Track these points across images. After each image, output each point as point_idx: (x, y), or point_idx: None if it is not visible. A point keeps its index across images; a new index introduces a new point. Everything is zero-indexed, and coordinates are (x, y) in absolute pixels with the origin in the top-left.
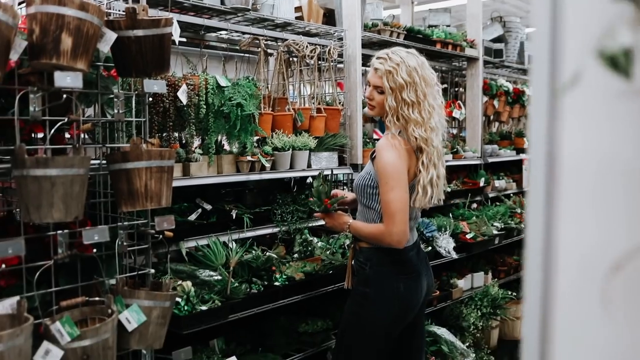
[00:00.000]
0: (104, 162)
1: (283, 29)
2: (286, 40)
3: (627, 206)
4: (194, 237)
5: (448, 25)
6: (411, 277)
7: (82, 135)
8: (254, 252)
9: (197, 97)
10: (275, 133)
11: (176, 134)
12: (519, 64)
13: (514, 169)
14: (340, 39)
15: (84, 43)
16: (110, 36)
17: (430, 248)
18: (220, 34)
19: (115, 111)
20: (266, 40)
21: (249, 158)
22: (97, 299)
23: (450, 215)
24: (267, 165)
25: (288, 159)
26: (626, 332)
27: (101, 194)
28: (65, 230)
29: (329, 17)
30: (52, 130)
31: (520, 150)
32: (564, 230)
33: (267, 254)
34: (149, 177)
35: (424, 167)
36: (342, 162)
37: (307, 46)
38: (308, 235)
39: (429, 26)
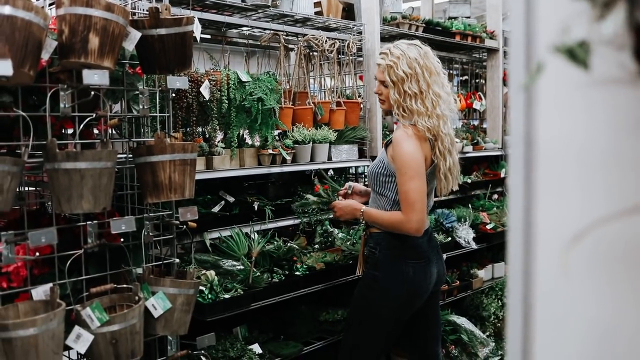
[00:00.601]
0: (130, 155)
1: (303, 24)
2: (306, 35)
3: (598, 189)
4: (217, 228)
5: (468, 17)
6: (420, 263)
7: (109, 131)
8: (275, 242)
9: (219, 93)
10: (296, 126)
11: (199, 129)
12: None
13: None
14: (360, 33)
15: (110, 42)
16: (135, 35)
17: (450, 239)
18: (242, 30)
19: (141, 107)
20: (286, 35)
21: (270, 151)
22: (125, 286)
23: (470, 206)
24: (288, 158)
25: (308, 151)
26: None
27: (128, 187)
28: (95, 221)
29: (349, 11)
30: (82, 126)
31: None
32: (543, 211)
33: (289, 244)
34: (172, 169)
35: (441, 155)
36: (362, 154)
37: (326, 41)
38: (329, 226)
39: (449, 18)
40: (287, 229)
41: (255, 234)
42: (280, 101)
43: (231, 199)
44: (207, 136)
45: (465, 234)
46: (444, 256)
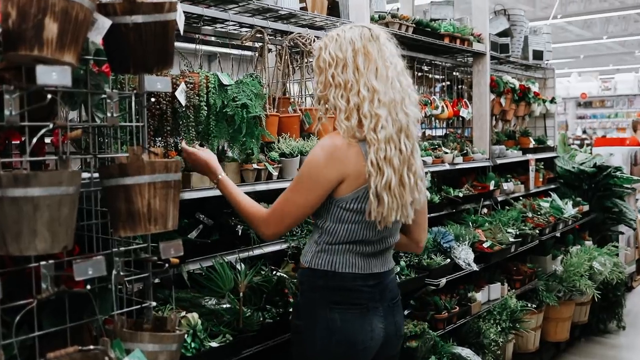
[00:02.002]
0: (96, 176)
1: (287, 20)
2: (291, 33)
3: None
4: (196, 258)
5: (452, 19)
6: (352, 311)
7: (68, 145)
8: (263, 272)
9: (197, 98)
10: (282, 137)
11: (172, 140)
12: (523, 59)
13: (520, 170)
14: None
15: (73, 30)
16: (104, 23)
17: (448, 260)
18: (217, 27)
19: (109, 114)
20: (270, 33)
21: (254, 166)
22: (91, 347)
23: (464, 222)
24: (275, 173)
25: (296, 165)
26: None
27: (93, 214)
28: (51, 261)
29: (332, 8)
30: (35, 139)
31: (525, 150)
32: None
33: (278, 273)
34: (152, 194)
35: (374, 168)
36: None
37: (314, 40)
38: None
39: (431, 20)
40: (273, 255)
41: (242, 263)
42: (265, 108)
43: (210, 222)
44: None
45: (465, 255)
46: (406, 312)
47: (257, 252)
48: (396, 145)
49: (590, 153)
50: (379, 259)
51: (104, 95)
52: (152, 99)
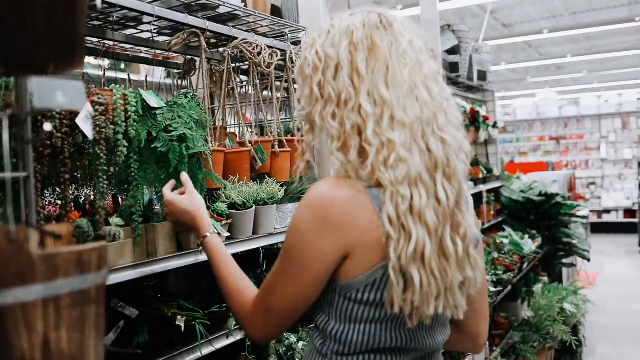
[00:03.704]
0: None
1: (225, 23)
2: (235, 38)
3: None
4: None
5: None
6: None
7: None
8: None
9: (110, 127)
10: (230, 181)
11: (73, 192)
12: (468, 79)
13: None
14: (296, 43)
15: None
16: None
17: None
18: (129, 32)
19: None
20: (207, 39)
21: None
22: None
23: None
24: (224, 233)
25: (251, 220)
26: None
27: None
28: None
29: (273, 13)
30: None
31: (476, 180)
32: None
33: None
34: (53, 322)
35: (394, 227)
36: None
37: (264, 49)
38: (292, 336)
39: None
40: (230, 350)
41: None
42: (208, 141)
43: (134, 313)
44: (87, 205)
45: None
46: None
47: (206, 350)
48: (429, 191)
49: (517, 179)
50: None
51: None
52: (48, 127)
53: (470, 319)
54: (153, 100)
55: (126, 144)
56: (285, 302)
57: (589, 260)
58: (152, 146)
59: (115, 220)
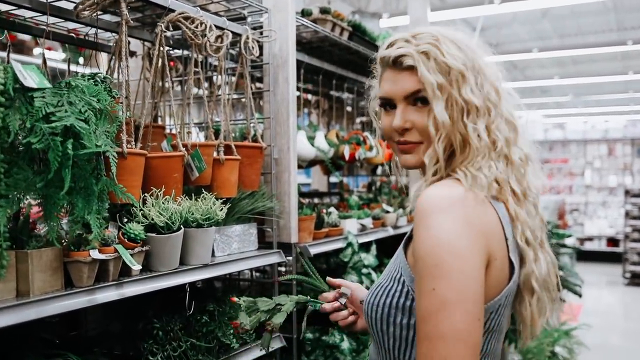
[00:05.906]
0: None
1: None
2: (171, 11)
3: None
4: None
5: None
6: None
7: None
8: None
9: None
10: (151, 195)
11: None
12: None
13: None
14: (256, 28)
15: None
16: None
17: None
18: None
19: None
20: (135, 9)
21: (94, 255)
22: None
23: None
24: (136, 266)
25: (177, 247)
26: None
27: None
28: None
29: None
30: None
31: None
32: None
33: None
34: None
35: (528, 245)
36: (263, 240)
37: (211, 28)
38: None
39: None
40: None
41: None
42: (121, 139)
43: None
44: None
45: None
46: None
47: None
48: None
49: None
50: None
51: None
52: None
53: None
54: (31, 79)
55: None
56: (465, 329)
57: (580, 296)
58: (27, 140)
59: None
